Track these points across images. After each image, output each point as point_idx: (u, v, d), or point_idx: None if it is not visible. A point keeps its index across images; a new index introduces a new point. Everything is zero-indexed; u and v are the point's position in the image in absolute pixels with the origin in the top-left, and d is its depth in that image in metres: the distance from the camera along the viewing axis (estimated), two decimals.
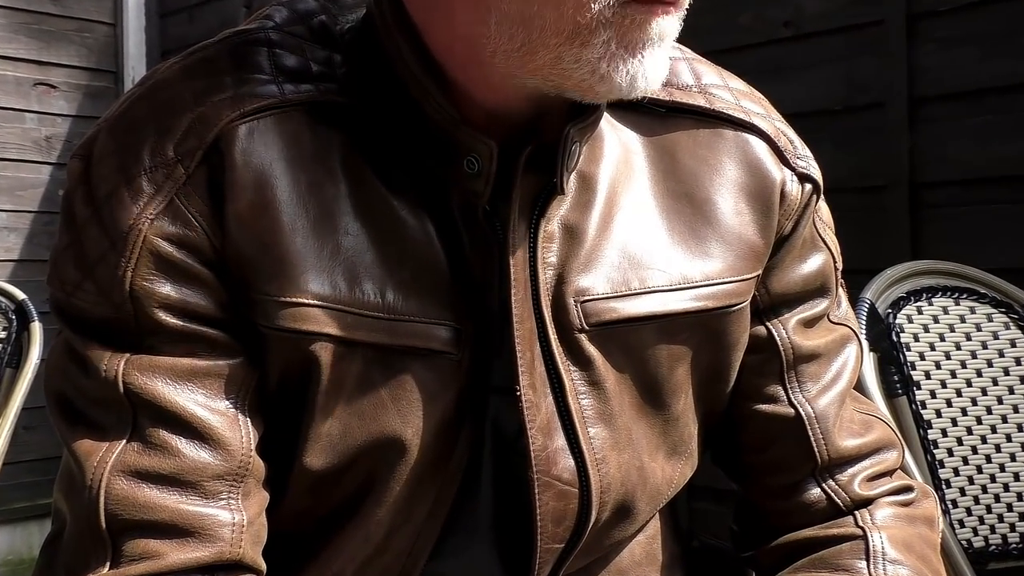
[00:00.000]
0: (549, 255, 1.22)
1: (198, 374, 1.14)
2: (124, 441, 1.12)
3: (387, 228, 1.17)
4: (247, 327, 1.15)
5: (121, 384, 1.12)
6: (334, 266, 1.15)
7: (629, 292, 1.25)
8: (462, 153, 1.15)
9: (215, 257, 1.14)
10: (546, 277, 1.21)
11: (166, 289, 1.13)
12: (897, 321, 2.14)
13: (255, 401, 1.17)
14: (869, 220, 3.27)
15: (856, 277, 1.56)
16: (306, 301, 1.14)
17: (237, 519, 1.14)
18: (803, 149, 1.35)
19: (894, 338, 2.13)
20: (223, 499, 1.13)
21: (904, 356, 2.12)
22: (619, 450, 1.24)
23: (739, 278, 1.30)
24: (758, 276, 1.31)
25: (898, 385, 2.10)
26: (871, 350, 2.14)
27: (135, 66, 5.60)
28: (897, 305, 2.16)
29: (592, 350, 1.23)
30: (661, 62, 1.11)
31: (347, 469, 1.19)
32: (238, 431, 1.15)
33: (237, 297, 1.15)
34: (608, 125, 1.28)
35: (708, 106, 1.31)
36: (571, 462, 1.22)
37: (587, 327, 1.23)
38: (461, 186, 1.17)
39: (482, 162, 1.15)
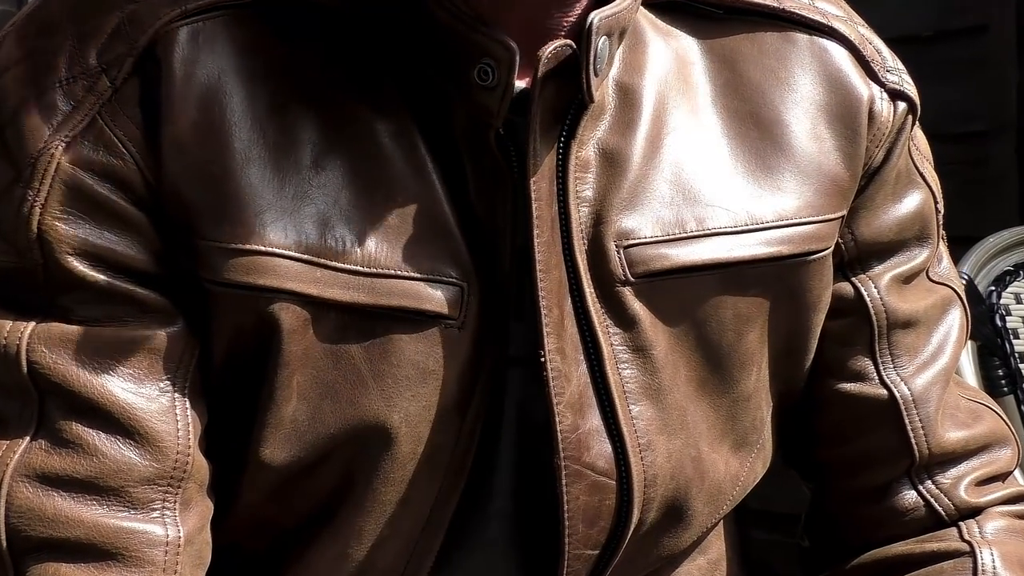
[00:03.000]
0: (583, 188, 1.18)
1: (123, 347, 1.10)
2: (28, 437, 1.09)
3: (368, 158, 1.14)
4: (187, 284, 1.11)
5: (25, 362, 1.08)
6: (300, 205, 1.12)
7: (684, 235, 1.20)
8: (474, 58, 1.12)
9: (147, 193, 1.10)
10: (580, 215, 1.17)
11: (84, 232, 1.09)
12: (1002, 301, 1.99)
13: (196, 381, 1.13)
14: (968, 175, 3.17)
15: (951, 246, 1.48)
16: (263, 248, 1.10)
17: (173, 535, 1.10)
18: (893, 60, 1.30)
19: (998, 322, 1.97)
20: (155, 510, 1.10)
21: (1011, 345, 1.96)
22: (669, 434, 1.21)
23: (820, 218, 1.25)
24: (843, 217, 1.26)
25: (1003, 381, 1.95)
26: (969, 337, 1.97)
27: None
28: (1002, 281, 2.05)
29: (638, 308, 1.19)
30: None
31: (317, 466, 1.15)
32: (173, 421, 1.11)
33: (175, 245, 1.11)
34: (654, 29, 1.24)
35: (776, 5, 1.27)
36: (607, 447, 1.19)
37: (632, 278, 1.19)
38: (469, 102, 1.14)
39: (499, 71, 1.11)
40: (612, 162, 1.20)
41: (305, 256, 1.11)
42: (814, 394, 1.32)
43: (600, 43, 1.14)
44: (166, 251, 1.11)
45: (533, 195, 1.15)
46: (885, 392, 1.30)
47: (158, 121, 1.10)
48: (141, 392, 1.10)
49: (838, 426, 1.32)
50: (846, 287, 1.30)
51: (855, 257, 1.31)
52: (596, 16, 1.13)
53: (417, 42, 1.15)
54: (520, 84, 1.14)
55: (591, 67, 1.14)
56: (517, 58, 1.11)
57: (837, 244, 1.28)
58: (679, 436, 1.22)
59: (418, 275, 1.14)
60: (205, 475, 1.13)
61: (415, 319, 1.14)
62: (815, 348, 1.30)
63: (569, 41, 1.13)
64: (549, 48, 1.13)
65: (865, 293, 1.31)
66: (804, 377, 1.31)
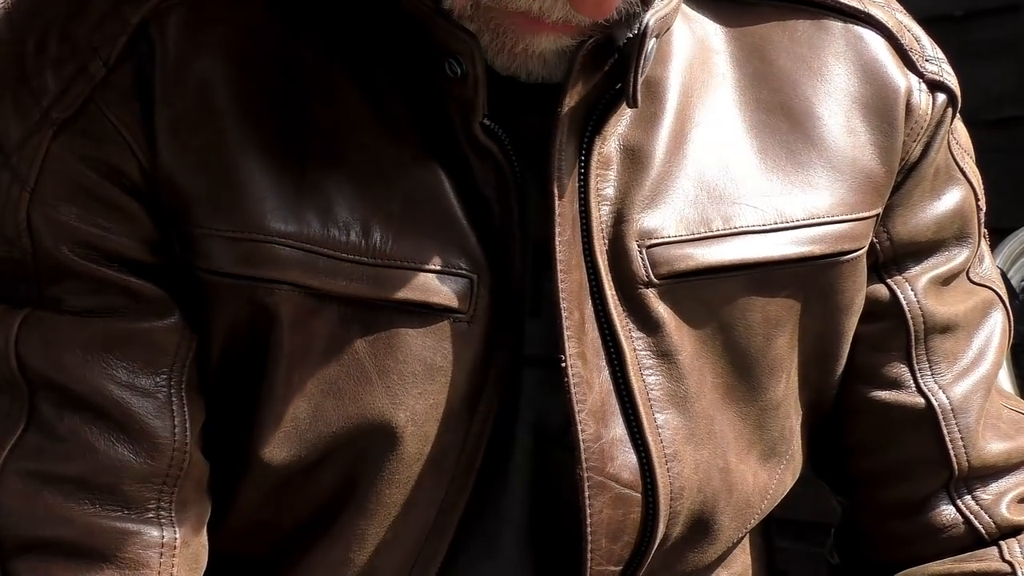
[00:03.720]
0: (605, 185, 1.17)
1: (116, 340, 1.09)
2: (18, 433, 1.08)
3: (371, 147, 1.13)
4: (183, 275, 1.11)
5: (14, 356, 1.08)
6: (301, 193, 1.10)
7: (710, 234, 1.19)
8: (440, 52, 1.11)
9: (142, 180, 1.09)
10: (601, 214, 1.16)
11: (75, 219, 1.08)
12: None
13: (193, 377, 1.12)
14: (1004, 163, 3.09)
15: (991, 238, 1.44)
16: (263, 237, 1.09)
17: (168, 537, 1.10)
18: (933, 49, 1.27)
19: None
20: (150, 510, 1.09)
21: None
22: (697, 444, 1.19)
23: (854, 216, 1.23)
24: (877, 215, 1.24)
25: None
26: None
27: None
28: None
29: (662, 311, 1.17)
30: None
31: (318, 466, 1.14)
32: (169, 417, 1.10)
33: (170, 234, 1.10)
34: (679, 16, 1.22)
35: None
36: (632, 458, 1.17)
37: (655, 280, 1.17)
38: (450, 96, 1.13)
39: (465, 63, 1.10)
40: (634, 158, 1.18)
41: (307, 245, 1.10)
42: (846, 403, 1.30)
43: (651, 45, 1.13)
44: (161, 240, 1.10)
45: (556, 192, 1.13)
46: (922, 401, 1.27)
47: (153, 105, 1.09)
48: (136, 386, 1.09)
49: (871, 437, 1.30)
50: (881, 289, 1.28)
51: (891, 258, 1.28)
52: (651, 16, 1.12)
53: (403, 36, 1.15)
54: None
55: (640, 71, 1.13)
56: (478, 52, 1.10)
57: (872, 244, 1.26)
58: (706, 446, 1.20)
59: (425, 266, 1.13)
60: (203, 474, 1.13)
61: (422, 312, 1.13)
62: (847, 354, 1.28)
63: (613, 36, 1.12)
64: (588, 43, 1.12)
65: (901, 296, 1.28)
66: (835, 384, 1.29)
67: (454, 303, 1.13)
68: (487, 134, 1.13)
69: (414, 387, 1.13)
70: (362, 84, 1.13)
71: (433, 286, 1.13)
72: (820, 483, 1.39)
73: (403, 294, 1.12)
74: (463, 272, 1.14)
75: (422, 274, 1.13)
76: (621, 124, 1.18)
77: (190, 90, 1.09)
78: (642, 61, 1.12)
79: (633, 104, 1.14)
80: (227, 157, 1.09)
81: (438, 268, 1.13)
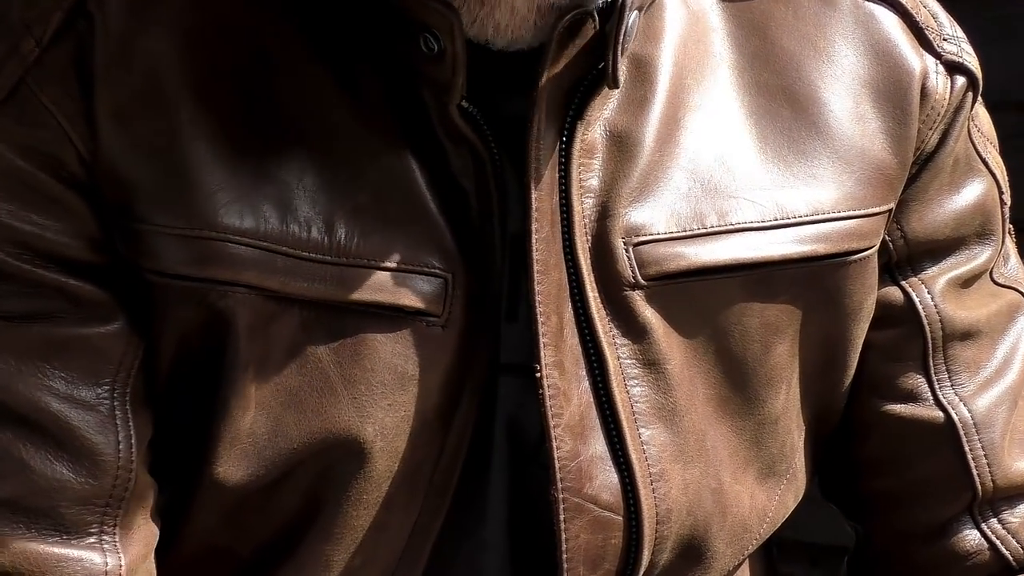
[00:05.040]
0: (589, 176, 1.16)
1: (54, 347, 1.08)
2: None
3: (336, 133, 1.13)
4: (128, 276, 1.10)
5: None
6: (258, 185, 1.10)
7: (703, 231, 1.17)
8: (416, 28, 1.11)
9: (81, 170, 1.09)
10: (584, 207, 1.15)
11: (7, 215, 1.08)
12: None
13: (139, 388, 1.11)
14: None
15: (1016, 234, 1.42)
16: (216, 235, 1.09)
17: (112, 564, 1.09)
18: (951, 27, 1.27)
19: None
20: (91, 535, 1.08)
21: None
22: (686, 462, 1.18)
23: (863, 212, 1.21)
24: (890, 211, 1.24)
25: None
26: None
27: None
28: None
29: (649, 315, 1.16)
30: None
31: (279, 486, 1.13)
32: (113, 433, 1.09)
33: (114, 231, 1.10)
34: None
35: None
36: (614, 477, 1.15)
37: (642, 281, 1.16)
38: (425, 77, 1.13)
39: (443, 40, 1.10)
40: (621, 146, 1.18)
41: (264, 243, 1.10)
42: (856, 417, 1.29)
43: (631, 19, 1.13)
44: (103, 237, 1.10)
45: (532, 184, 1.13)
46: (941, 414, 1.26)
47: (93, 87, 1.09)
48: (75, 398, 1.09)
49: (886, 454, 1.29)
50: (894, 292, 1.27)
51: (905, 257, 1.28)
52: None
53: (378, 11, 1.15)
54: (519, 46, 1.14)
55: (619, 47, 1.13)
56: (458, 26, 1.10)
57: (884, 242, 1.25)
58: (696, 464, 1.20)
59: (394, 265, 1.12)
60: (150, 496, 1.13)
61: (391, 316, 1.12)
62: (856, 363, 1.27)
63: (590, 10, 1.12)
64: (565, 20, 1.11)
65: (917, 299, 1.27)
66: (843, 397, 1.29)
67: (427, 305, 1.13)
68: (464, 118, 1.13)
69: (383, 398, 1.13)
70: (329, 61, 1.14)
71: (404, 287, 1.12)
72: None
73: (371, 296, 1.11)
74: (437, 271, 1.13)
75: (391, 273, 1.12)
76: (607, 108, 1.18)
77: (135, 70, 1.09)
78: (622, 36, 1.13)
79: (614, 84, 1.14)
80: (177, 145, 1.09)
81: (409, 267, 1.12)
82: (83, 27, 1.08)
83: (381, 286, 1.11)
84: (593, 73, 1.14)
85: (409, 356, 1.12)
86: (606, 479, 1.15)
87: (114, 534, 1.08)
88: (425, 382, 1.13)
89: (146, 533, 1.11)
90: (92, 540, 1.07)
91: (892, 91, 1.24)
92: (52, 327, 1.08)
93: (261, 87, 1.12)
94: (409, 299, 1.12)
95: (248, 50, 1.12)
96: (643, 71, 1.19)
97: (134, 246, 1.09)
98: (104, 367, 1.09)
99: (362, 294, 1.11)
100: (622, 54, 1.14)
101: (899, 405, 1.27)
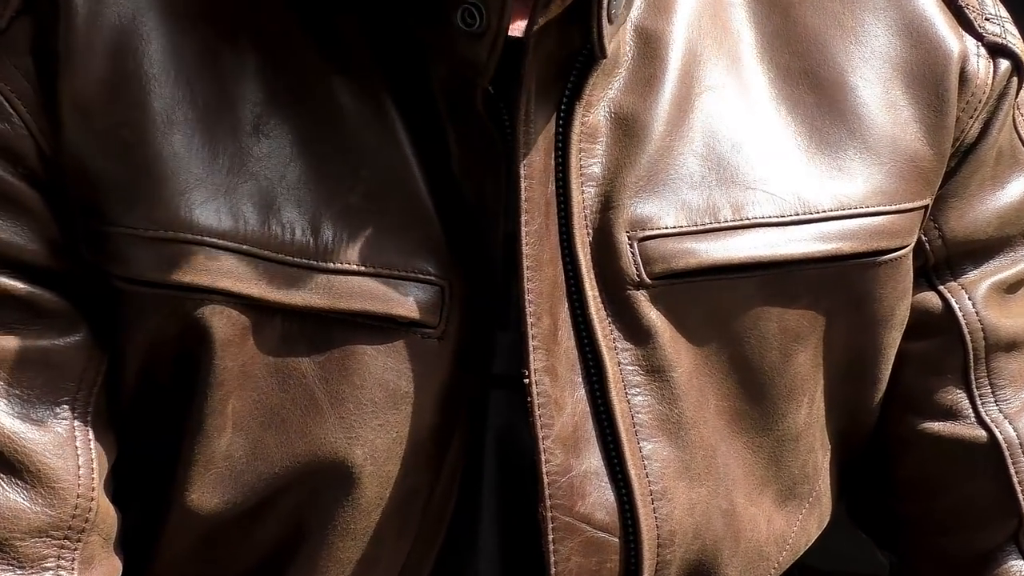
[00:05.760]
0: (590, 163, 1.14)
1: (8, 363, 1.07)
2: None
3: (324, 121, 1.12)
4: (92, 282, 1.09)
5: None
6: (237, 181, 1.08)
7: (716, 225, 1.15)
8: (456, 1, 1.09)
9: (41, 165, 1.08)
10: (584, 198, 1.14)
11: None
12: None
13: (102, 406, 1.10)
14: None
15: None
16: (190, 237, 1.07)
17: None
18: (994, 5, 1.26)
19: None
20: (47, 569, 1.07)
21: None
22: (692, 480, 1.17)
23: (894, 207, 1.20)
24: (926, 208, 1.22)
25: None
26: None
27: None
28: None
29: (654, 317, 1.15)
30: None
31: (259, 515, 1.12)
32: (73, 456, 1.08)
33: (76, 232, 1.09)
34: None
35: None
36: (610, 495, 1.14)
37: (648, 279, 1.14)
38: (452, 54, 1.11)
39: (487, 13, 1.08)
40: (627, 130, 1.16)
41: (244, 246, 1.08)
42: (889, 435, 1.28)
43: None
44: (65, 240, 1.10)
45: (523, 172, 1.12)
46: (983, 433, 1.25)
47: (55, 73, 1.08)
48: (32, 418, 1.07)
49: (922, 477, 1.28)
50: (931, 298, 1.26)
51: (943, 259, 1.26)
52: None
53: None
54: (515, 33, 1.12)
55: (604, 10, 1.11)
56: None
57: (919, 242, 1.24)
58: (705, 483, 1.18)
59: (386, 271, 1.10)
60: (112, 526, 1.11)
61: (383, 327, 1.11)
62: (888, 375, 1.26)
63: None
64: None
65: (956, 306, 1.25)
66: (874, 412, 1.27)
67: (422, 315, 1.11)
68: (488, 105, 1.12)
69: (374, 417, 1.11)
70: (321, 43, 1.12)
71: (396, 295, 1.10)
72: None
73: (360, 304, 1.09)
74: (432, 278, 1.11)
75: (384, 280, 1.10)
76: (611, 88, 1.16)
77: (100, 55, 1.08)
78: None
79: (602, 54, 1.12)
80: (147, 137, 1.08)
81: (403, 274, 1.10)
82: (45, 7, 1.07)
83: (372, 294, 1.09)
84: (588, 47, 1.12)
85: (402, 371, 1.11)
86: (601, 496, 1.14)
87: (72, 569, 1.07)
88: (420, 400, 1.12)
89: (108, 568, 1.10)
90: (48, 575, 1.06)
91: (927, 76, 1.22)
92: (7, 339, 1.06)
93: (241, 71, 1.10)
94: (403, 308, 1.10)
95: (230, 30, 1.11)
96: (652, 47, 1.17)
97: (100, 250, 1.08)
98: (63, 383, 1.08)
99: (351, 302, 1.09)
100: (609, 21, 1.11)
101: (937, 423, 1.25)
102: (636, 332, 1.15)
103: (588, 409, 1.14)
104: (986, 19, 1.24)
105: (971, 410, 1.25)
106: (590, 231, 1.14)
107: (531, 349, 1.12)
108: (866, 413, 1.26)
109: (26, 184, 1.07)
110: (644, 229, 1.14)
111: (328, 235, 1.09)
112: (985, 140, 1.24)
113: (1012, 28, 1.26)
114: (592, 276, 1.14)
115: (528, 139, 1.12)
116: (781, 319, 1.18)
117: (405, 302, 1.10)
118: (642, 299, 1.14)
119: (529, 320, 1.11)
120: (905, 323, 1.24)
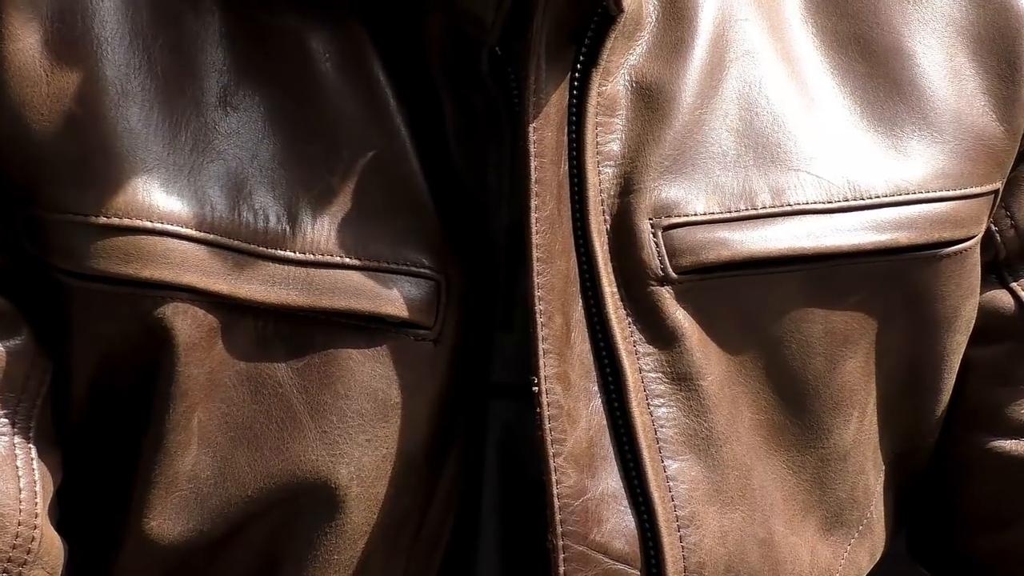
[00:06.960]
0: (608, 139, 1.09)
1: None
2: None
3: (302, 93, 1.07)
4: (35, 278, 1.06)
5: None
6: (202, 160, 1.04)
7: (753, 212, 1.10)
8: None
9: None
10: (601, 180, 1.09)
11: None
12: None
13: (47, 420, 1.07)
14: None
15: None
16: (148, 224, 1.02)
17: None
18: None
19: None
20: None
21: None
22: (725, 504, 1.12)
23: (959, 192, 1.14)
24: (996, 192, 1.18)
25: None
26: None
27: None
28: None
29: (681, 317, 1.10)
30: None
31: (228, 543, 1.08)
32: (13, 478, 1.03)
33: (15, 221, 1.06)
34: None
35: None
36: (630, 521, 1.08)
37: (674, 274, 1.09)
38: (451, 10, 1.07)
39: None
40: (651, 102, 1.11)
41: (210, 236, 1.04)
42: (953, 455, 1.23)
43: None
44: (5, 231, 1.06)
45: (533, 149, 1.06)
46: None
47: None
48: None
49: (992, 504, 1.23)
50: (1003, 297, 1.21)
51: (1016, 252, 1.21)
52: None
53: None
54: None
55: None
56: None
57: (988, 232, 1.19)
58: (738, 508, 1.13)
59: (373, 263, 1.06)
60: (58, 558, 1.06)
61: (370, 328, 1.06)
62: (951, 386, 1.20)
63: None
64: None
65: None
66: (935, 429, 1.22)
67: (414, 315, 1.06)
68: (493, 68, 1.07)
69: (360, 432, 1.06)
70: (290, 5, 1.08)
71: (385, 291, 1.05)
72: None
73: (344, 302, 1.05)
74: (426, 272, 1.07)
75: (370, 274, 1.05)
76: (633, 54, 1.11)
77: (45, 16, 1.04)
78: None
79: (617, 7, 1.07)
80: (98, 110, 1.03)
81: (393, 266, 1.06)
82: None
83: (357, 290, 1.05)
84: (603, 7, 1.08)
85: (392, 379, 1.06)
86: (619, 523, 1.09)
87: None
88: (412, 412, 1.07)
89: None
90: None
91: (996, 40, 1.17)
92: None
93: (205, 35, 1.06)
94: (392, 307, 1.05)
95: None
96: (680, 6, 1.13)
97: (43, 240, 1.04)
98: (2, 394, 1.04)
99: (333, 300, 1.04)
100: None
101: (1009, 441, 1.21)
102: (660, 334, 1.11)
103: (605, 422, 1.10)
104: None
105: None
106: (607, 218, 1.10)
107: (541, 353, 1.07)
108: (926, 430, 1.22)
109: None
110: (669, 216, 1.10)
111: (306, 222, 1.05)
112: None
113: None
114: (609, 270, 1.10)
115: (539, 110, 1.07)
116: (827, 321, 1.14)
117: (395, 299, 1.05)
118: (667, 296, 1.10)
119: (539, 320, 1.07)
120: (971, 326, 1.20)
